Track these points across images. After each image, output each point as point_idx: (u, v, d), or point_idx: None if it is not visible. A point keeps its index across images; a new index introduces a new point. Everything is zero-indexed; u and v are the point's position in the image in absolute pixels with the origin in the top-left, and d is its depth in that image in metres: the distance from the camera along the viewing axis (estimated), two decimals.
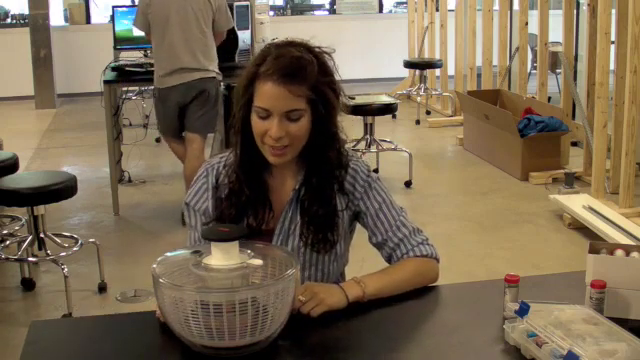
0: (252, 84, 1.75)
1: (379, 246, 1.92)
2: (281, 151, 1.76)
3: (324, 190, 1.83)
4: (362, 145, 5.85)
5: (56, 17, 9.57)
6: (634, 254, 1.74)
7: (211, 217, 1.86)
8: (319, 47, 1.80)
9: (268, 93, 1.72)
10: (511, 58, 7.12)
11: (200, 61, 4.65)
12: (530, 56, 7.59)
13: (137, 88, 7.67)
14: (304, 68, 1.73)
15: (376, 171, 5.90)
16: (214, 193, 1.87)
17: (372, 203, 1.88)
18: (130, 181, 5.82)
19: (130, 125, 7.43)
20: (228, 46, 5.33)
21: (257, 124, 1.76)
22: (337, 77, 1.81)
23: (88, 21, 9.85)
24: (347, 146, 1.90)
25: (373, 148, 5.85)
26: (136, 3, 5.12)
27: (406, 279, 1.83)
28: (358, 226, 1.96)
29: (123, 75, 5.28)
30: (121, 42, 6.07)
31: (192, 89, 4.66)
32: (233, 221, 1.82)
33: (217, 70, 4.78)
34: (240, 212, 1.83)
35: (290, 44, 1.78)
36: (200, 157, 4.81)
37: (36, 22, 8.85)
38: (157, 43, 4.68)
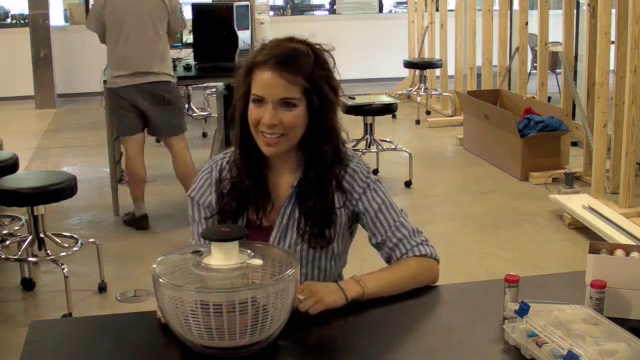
0: (250, 74, 1.78)
1: (378, 247, 1.92)
2: (274, 140, 1.78)
3: (322, 184, 1.84)
4: (362, 145, 5.85)
5: (56, 17, 9.57)
6: (634, 254, 1.74)
7: (214, 211, 1.88)
8: (319, 44, 1.82)
9: (263, 81, 1.75)
10: (511, 58, 7.11)
11: (153, 65, 4.61)
12: (530, 56, 7.59)
13: None
14: (299, 58, 1.76)
15: (376, 171, 5.90)
16: (217, 187, 1.89)
17: (371, 204, 1.89)
18: None
19: None
20: (228, 46, 5.33)
21: (252, 111, 1.78)
22: (337, 75, 1.83)
23: None
24: (348, 146, 1.91)
25: (373, 148, 5.85)
26: None
27: (406, 279, 1.83)
28: (359, 228, 1.96)
29: None
30: None
31: (145, 92, 4.61)
32: (234, 215, 1.85)
33: (171, 73, 4.74)
34: (241, 206, 1.86)
35: (290, 39, 1.81)
36: (187, 153, 4.80)
37: (36, 22, 8.85)
38: (112, 45, 4.63)
